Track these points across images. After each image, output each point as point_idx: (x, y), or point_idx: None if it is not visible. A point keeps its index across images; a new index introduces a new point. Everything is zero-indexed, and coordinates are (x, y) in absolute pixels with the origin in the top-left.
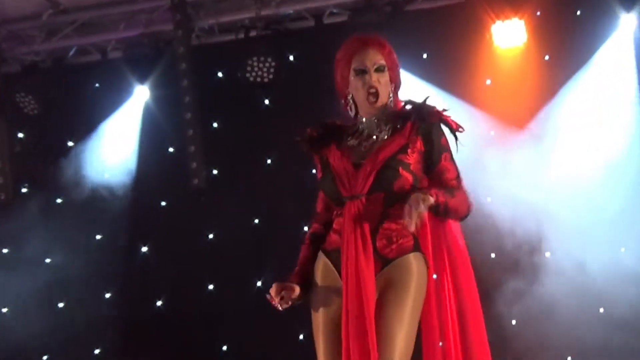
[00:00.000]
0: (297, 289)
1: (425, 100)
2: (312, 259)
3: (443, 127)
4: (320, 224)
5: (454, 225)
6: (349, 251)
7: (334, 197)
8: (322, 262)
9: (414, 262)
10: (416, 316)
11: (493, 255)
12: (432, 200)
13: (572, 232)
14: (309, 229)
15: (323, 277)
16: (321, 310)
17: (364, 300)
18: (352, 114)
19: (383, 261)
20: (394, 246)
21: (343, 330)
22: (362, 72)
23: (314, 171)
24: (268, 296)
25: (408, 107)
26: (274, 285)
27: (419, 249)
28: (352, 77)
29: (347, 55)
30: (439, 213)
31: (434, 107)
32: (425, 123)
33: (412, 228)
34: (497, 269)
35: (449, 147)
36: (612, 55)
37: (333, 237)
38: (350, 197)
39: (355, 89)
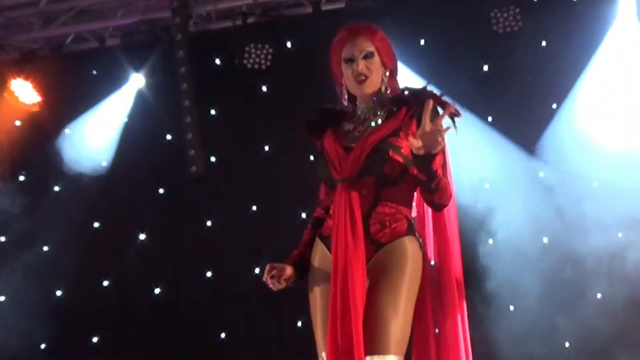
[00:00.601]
0: (289, 269)
1: (424, 86)
2: (311, 243)
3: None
4: (322, 208)
5: (452, 214)
6: (339, 235)
7: (327, 180)
8: (319, 248)
9: (409, 245)
10: (412, 301)
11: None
12: (440, 145)
13: None
14: (311, 214)
15: (320, 262)
16: (318, 296)
17: (350, 287)
18: (346, 102)
19: (376, 246)
20: (387, 230)
21: (330, 316)
22: (350, 60)
23: (312, 158)
24: (264, 278)
25: (405, 92)
26: (267, 266)
27: (413, 233)
28: (343, 67)
29: (338, 46)
30: (430, 187)
31: (431, 91)
32: (421, 107)
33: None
34: None
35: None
36: (617, 41)
37: (329, 222)
38: (341, 179)
39: (347, 77)
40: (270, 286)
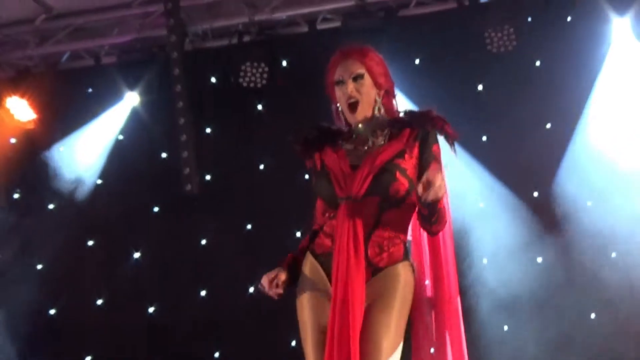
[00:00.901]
0: (283, 275)
1: (424, 110)
2: (306, 251)
3: (438, 136)
4: (319, 226)
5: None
6: (341, 255)
7: (329, 197)
8: (309, 264)
9: (402, 272)
10: (402, 324)
11: None
12: (443, 191)
13: None
14: (308, 231)
15: (311, 280)
16: (309, 318)
17: (350, 307)
18: (342, 124)
19: (373, 269)
20: (384, 255)
21: (328, 335)
22: (341, 83)
23: (307, 176)
24: (260, 287)
25: (407, 115)
26: (263, 277)
27: (408, 258)
28: (335, 89)
29: (331, 68)
30: (431, 220)
31: (433, 115)
32: (424, 130)
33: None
34: None
35: (439, 157)
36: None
37: (324, 240)
38: (345, 198)
39: (339, 100)
40: (272, 295)
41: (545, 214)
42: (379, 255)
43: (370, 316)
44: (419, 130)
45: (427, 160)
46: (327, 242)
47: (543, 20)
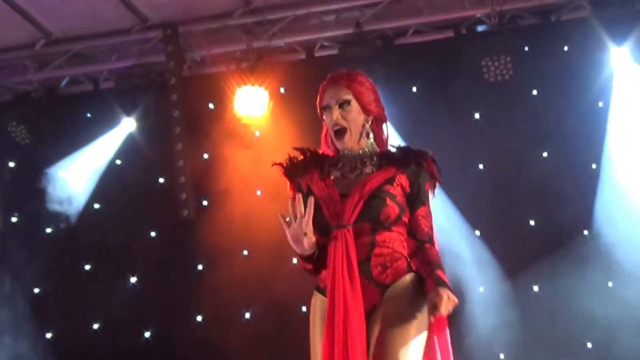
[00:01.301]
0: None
1: (420, 150)
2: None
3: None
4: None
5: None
6: (337, 282)
7: (321, 227)
8: (318, 302)
9: (411, 283)
10: (422, 338)
11: None
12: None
13: None
14: None
15: (321, 318)
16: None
17: (350, 336)
18: (330, 148)
19: (381, 288)
20: (389, 271)
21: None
22: (327, 108)
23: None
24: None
25: (399, 152)
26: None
27: (412, 270)
28: (323, 115)
29: (319, 95)
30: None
31: (424, 155)
32: (412, 167)
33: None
34: None
35: (430, 195)
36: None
37: (323, 274)
38: (337, 226)
39: (327, 126)
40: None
41: (541, 241)
42: (384, 273)
43: (387, 337)
44: (408, 166)
45: (422, 199)
46: (326, 274)
47: (540, 50)
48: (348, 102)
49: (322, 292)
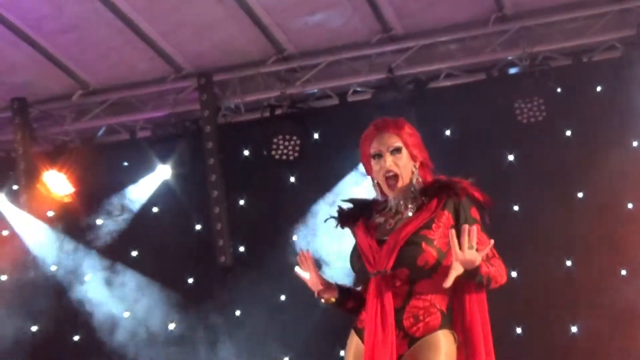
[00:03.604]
0: (334, 292)
1: (456, 179)
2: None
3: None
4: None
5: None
6: (370, 329)
7: (360, 273)
8: (354, 342)
9: (443, 340)
10: None
11: None
12: (478, 260)
13: None
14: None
15: (354, 357)
16: None
17: None
18: (379, 195)
19: (410, 340)
20: (420, 324)
21: None
22: (378, 156)
23: (336, 248)
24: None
25: (436, 183)
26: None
27: (447, 326)
28: (372, 162)
29: (366, 141)
30: (482, 283)
31: (461, 182)
32: (453, 198)
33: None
34: None
35: (480, 219)
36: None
37: (362, 315)
38: (375, 273)
39: (376, 173)
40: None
41: (578, 283)
42: (415, 326)
43: None
44: (447, 199)
45: (468, 223)
46: (364, 316)
47: (572, 91)
48: (399, 149)
49: (358, 332)
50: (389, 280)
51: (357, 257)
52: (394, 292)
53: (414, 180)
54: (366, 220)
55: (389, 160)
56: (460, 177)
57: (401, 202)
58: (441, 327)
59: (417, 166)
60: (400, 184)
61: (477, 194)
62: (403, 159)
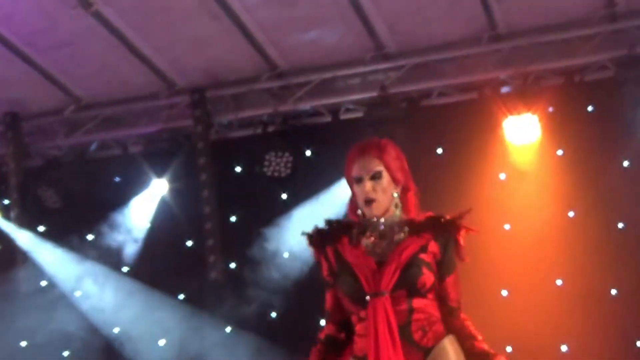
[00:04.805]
0: None
1: (451, 218)
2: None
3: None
4: (335, 323)
5: None
6: (381, 350)
7: (356, 295)
8: None
9: (453, 345)
10: None
11: None
12: None
13: None
14: (323, 329)
15: None
16: None
17: None
18: (359, 214)
19: (424, 352)
20: (430, 334)
21: None
22: (359, 180)
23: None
24: None
25: (429, 221)
26: None
27: (448, 332)
28: (353, 185)
29: (349, 164)
30: None
31: (455, 224)
32: (444, 235)
33: None
34: None
35: (457, 266)
36: None
37: (360, 342)
38: (374, 294)
39: (357, 196)
40: None
41: (569, 302)
42: (425, 337)
43: None
44: (438, 235)
45: (450, 268)
46: (363, 342)
47: (564, 110)
48: (379, 173)
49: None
50: (389, 300)
51: (351, 279)
52: (395, 311)
53: (394, 205)
54: (351, 241)
55: (368, 186)
56: (452, 214)
57: (389, 227)
58: (446, 333)
59: (398, 190)
60: (376, 206)
61: (464, 233)
62: (383, 184)
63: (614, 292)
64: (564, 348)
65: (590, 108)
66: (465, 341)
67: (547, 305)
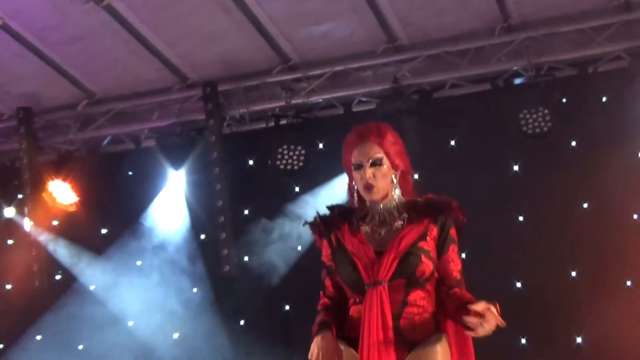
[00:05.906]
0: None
1: (447, 200)
2: (335, 316)
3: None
4: (329, 299)
5: None
6: (371, 339)
7: (355, 283)
8: (350, 355)
9: (440, 343)
10: None
11: None
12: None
13: None
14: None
15: None
16: None
17: None
18: (356, 201)
19: (409, 345)
20: (417, 330)
21: None
22: (359, 166)
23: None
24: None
25: (426, 204)
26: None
27: (439, 329)
28: (353, 171)
29: (348, 147)
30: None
31: (450, 203)
32: (441, 216)
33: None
34: None
35: (457, 240)
36: None
37: (352, 324)
38: (372, 283)
39: (356, 182)
40: None
41: (583, 294)
42: (413, 331)
43: None
44: (437, 217)
45: (449, 242)
46: (356, 325)
47: (578, 101)
48: (380, 160)
49: (348, 342)
50: (386, 290)
51: (351, 268)
52: (390, 301)
53: (394, 190)
54: (351, 229)
55: (368, 172)
56: (447, 197)
57: (389, 213)
58: (435, 330)
59: (397, 175)
60: (376, 191)
61: (461, 217)
62: (383, 170)
63: (629, 283)
64: (578, 339)
65: (604, 99)
66: (455, 304)
67: (561, 296)
